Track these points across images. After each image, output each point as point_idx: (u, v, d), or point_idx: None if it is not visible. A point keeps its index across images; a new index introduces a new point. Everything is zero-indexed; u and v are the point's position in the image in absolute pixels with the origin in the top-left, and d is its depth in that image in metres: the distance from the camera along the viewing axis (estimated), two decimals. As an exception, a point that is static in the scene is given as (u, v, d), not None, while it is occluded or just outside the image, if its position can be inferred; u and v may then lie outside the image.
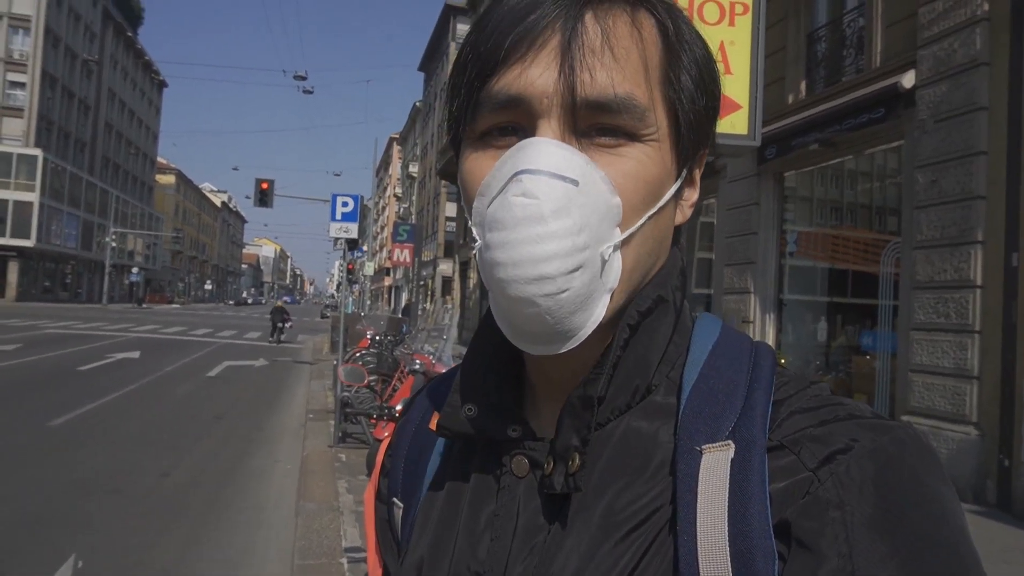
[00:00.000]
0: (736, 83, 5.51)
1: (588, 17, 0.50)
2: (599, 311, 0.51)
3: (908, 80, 7.19)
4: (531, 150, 0.49)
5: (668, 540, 0.48)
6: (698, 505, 0.47)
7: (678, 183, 0.55)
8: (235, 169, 56.43)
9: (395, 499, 0.67)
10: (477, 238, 0.52)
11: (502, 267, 0.49)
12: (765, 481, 0.46)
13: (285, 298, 37.84)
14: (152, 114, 76.03)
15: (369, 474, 5.53)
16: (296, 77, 32.75)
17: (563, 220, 0.47)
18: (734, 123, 5.47)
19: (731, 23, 5.02)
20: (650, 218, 0.52)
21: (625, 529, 0.50)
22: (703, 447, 0.49)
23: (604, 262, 0.50)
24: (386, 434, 4.96)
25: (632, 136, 0.51)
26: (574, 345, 0.51)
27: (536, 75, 0.49)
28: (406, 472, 0.67)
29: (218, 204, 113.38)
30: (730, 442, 0.48)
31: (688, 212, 0.58)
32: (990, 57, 6.50)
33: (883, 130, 7.77)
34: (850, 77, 8.49)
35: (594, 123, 0.50)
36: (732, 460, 0.47)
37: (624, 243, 0.51)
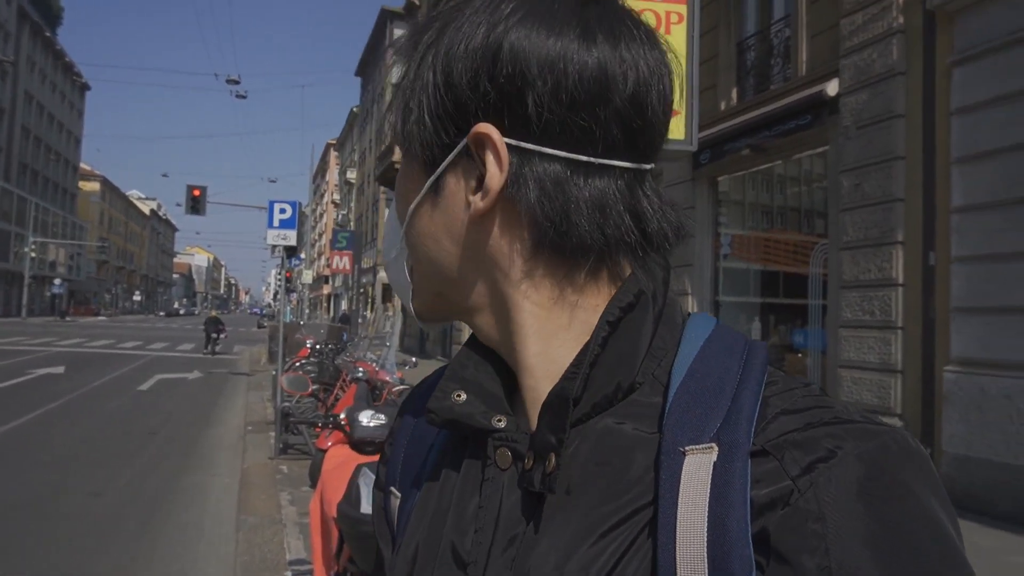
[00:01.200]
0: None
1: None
2: (408, 298, 0.64)
3: (832, 88, 7.53)
4: None
5: (648, 542, 0.48)
6: (679, 509, 0.46)
7: (424, 187, 0.57)
8: (165, 176, 54.60)
9: (392, 488, 0.68)
10: None
11: None
12: (747, 487, 0.45)
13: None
14: (74, 118, 72.72)
15: (312, 485, 5.38)
16: (229, 81, 31.88)
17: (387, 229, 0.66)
18: (672, 128, 5.63)
19: (667, 31, 5.16)
20: (410, 219, 0.60)
21: (605, 527, 0.49)
22: (686, 448, 0.48)
23: (393, 259, 0.65)
24: (329, 444, 4.87)
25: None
26: (425, 324, 0.65)
27: None
28: (405, 461, 0.67)
29: (147, 212, 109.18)
30: (713, 445, 0.47)
31: (476, 207, 0.55)
32: (906, 67, 6.87)
33: (810, 136, 8.12)
34: (778, 85, 8.83)
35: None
36: (714, 463, 0.47)
37: (406, 242, 0.61)
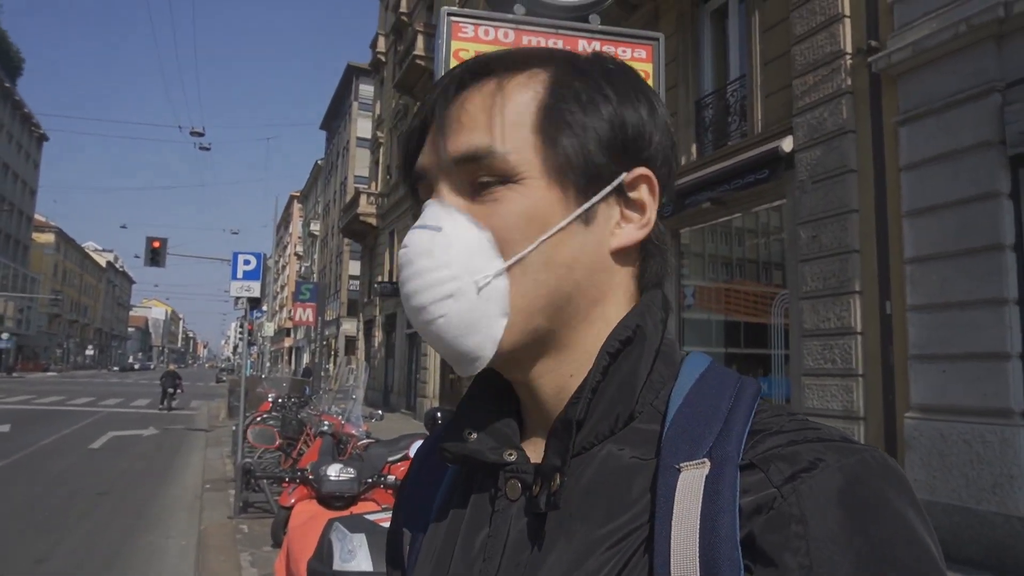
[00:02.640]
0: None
1: (451, 98, 0.61)
2: (496, 333, 0.57)
3: (787, 144, 7.84)
4: (422, 213, 0.61)
5: (645, 557, 0.51)
6: (673, 519, 0.49)
7: (580, 209, 0.59)
8: (123, 227, 53.67)
9: (404, 529, 0.71)
10: None
11: (404, 304, 0.60)
12: (736, 496, 0.48)
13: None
14: (30, 169, 71.38)
15: (275, 544, 5.22)
16: (193, 133, 31.82)
17: (425, 260, 0.58)
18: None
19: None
20: (542, 244, 0.58)
21: (605, 545, 0.52)
22: (681, 465, 0.52)
23: (480, 288, 0.57)
24: (293, 500, 4.73)
25: (505, 179, 0.58)
26: (482, 365, 0.59)
27: (425, 153, 0.62)
28: (417, 501, 0.70)
29: (103, 264, 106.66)
30: (706, 460, 0.51)
31: (635, 234, 0.61)
32: (855, 125, 7.20)
33: (768, 189, 8.39)
34: (736, 141, 9.16)
35: (470, 178, 0.59)
36: (707, 477, 0.50)
37: (513, 269, 0.57)
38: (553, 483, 0.55)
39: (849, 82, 7.28)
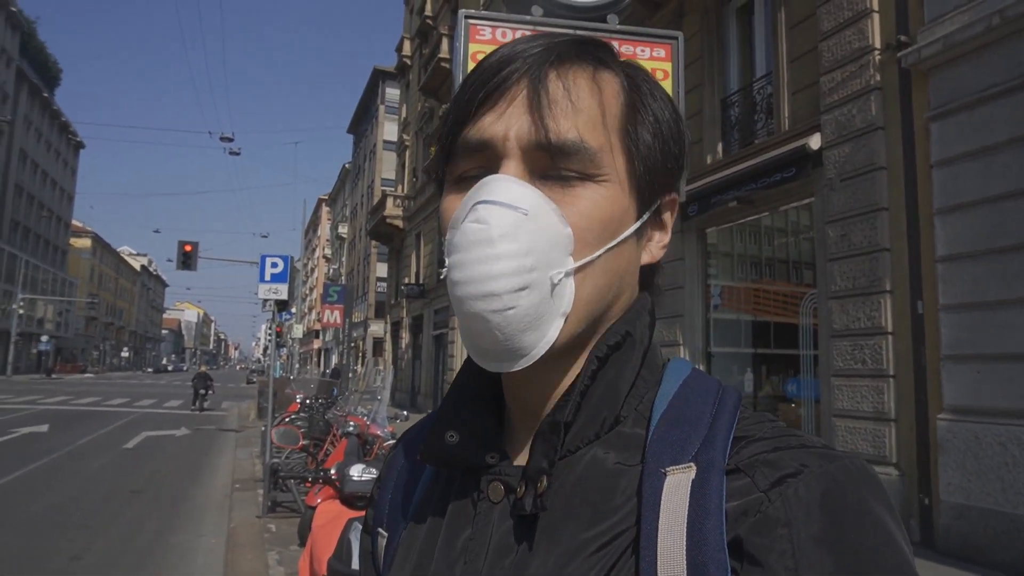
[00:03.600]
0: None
1: (551, 74, 0.57)
2: (551, 333, 0.55)
3: (815, 142, 7.72)
4: (489, 185, 0.55)
5: (631, 559, 0.51)
6: (660, 522, 0.50)
7: (639, 223, 0.60)
8: (157, 231, 54.81)
9: (380, 529, 0.70)
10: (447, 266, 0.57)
11: (458, 285, 0.54)
12: (722, 500, 0.49)
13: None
14: (67, 176, 73.23)
15: (302, 544, 5.26)
16: (222, 139, 32.42)
17: (509, 244, 0.53)
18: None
19: (653, 88, 5.34)
20: (608, 251, 0.57)
21: (590, 549, 0.52)
22: (667, 469, 0.52)
23: (554, 285, 0.54)
24: (319, 500, 4.78)
25: (586, 177, 0.56)
26: (527, 364, 0.55)
27: (501, 123, 0.56)
28: (393, 502, 0.70)
29: (137, 268, 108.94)
30: (692, 464, 0.52)
31: (657, 252, 0.63)
32: (884, 122, 7.06)
33: (795, 188, 8.27)
34: (762, 139, 9.04)
35: (550, 165, 0.56)
36: (693, 481, 0.51)
37: (579, 272, 0.56)
38: (540, 485, 0.55)
39: (878, 78, 7.15)
